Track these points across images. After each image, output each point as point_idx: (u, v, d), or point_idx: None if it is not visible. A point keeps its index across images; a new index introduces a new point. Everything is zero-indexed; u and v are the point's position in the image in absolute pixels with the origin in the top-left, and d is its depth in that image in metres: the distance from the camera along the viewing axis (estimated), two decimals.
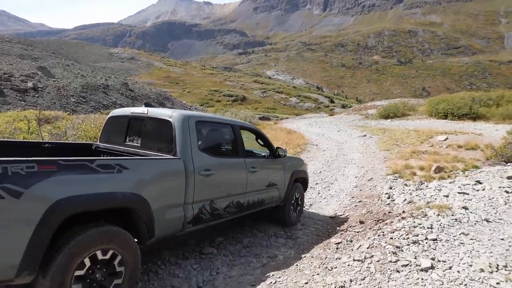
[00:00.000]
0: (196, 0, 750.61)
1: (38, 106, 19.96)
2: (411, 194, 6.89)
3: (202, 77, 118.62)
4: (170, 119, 3.71)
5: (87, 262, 2.62)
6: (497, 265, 3.49)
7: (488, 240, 4.19)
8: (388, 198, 6.93)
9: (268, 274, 3.81)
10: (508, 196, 5.99)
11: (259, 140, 5.40)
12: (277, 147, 5.41)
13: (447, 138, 12.47)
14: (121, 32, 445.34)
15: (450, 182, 7.38)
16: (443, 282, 3.23)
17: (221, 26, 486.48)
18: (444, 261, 3.63)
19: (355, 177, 9.29)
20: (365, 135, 16.72)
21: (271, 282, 3.59)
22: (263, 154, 5.33)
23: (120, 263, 2.85)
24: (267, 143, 5.34)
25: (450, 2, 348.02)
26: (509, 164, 8.68)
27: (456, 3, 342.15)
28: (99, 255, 2.70)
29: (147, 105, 4.38)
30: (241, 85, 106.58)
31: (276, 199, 5.37)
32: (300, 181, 6.18)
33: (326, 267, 3.84)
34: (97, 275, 2.69)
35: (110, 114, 4.69)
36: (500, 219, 5.01)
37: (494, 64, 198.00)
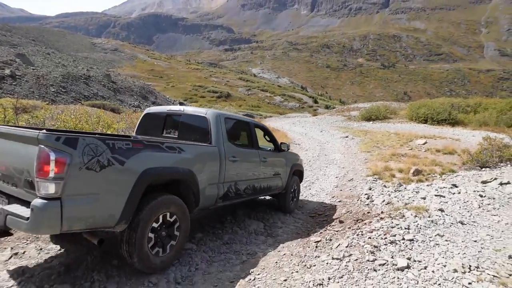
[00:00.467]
0: None
1: (16, 94, 19.28)
2: (389, 196, 7.03)
3: (187, 72, 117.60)
4: (205, 115, 4.55)
5: (160, 219, 3.47)
6: (470, 266, 3.60)
7: (462, 241, 4.32)
8: (368, 198, 7.06)
9: (247, 271, 3.81)
10: (482, 200, 6.19)
11: (266, 136, 6.26)
12: (281, 143, 6.27)
13: (426, 142, 12.77)
14: (105, 22, 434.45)
15: (427, 185, 7.57)
16: (418, 282, 3.31)
17: (208, 21, 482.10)
18: (419, 261, 3.72)
19: (336, 177, 9.40)
20: (347, 136, 16.93)
21: (250, 279, 3.60)
22: (269, 149, 6.04)
23: (177, 224, 3.69)
24: (272, 139, 6.20)
25: (434, 10, 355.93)
26: (483, 169, 8.97)
27: (440, 11, 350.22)
28: (167, 215, 3.55)
29: (181, 104, 4.91)
30: (226, 82, 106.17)
31: (279, 187, 6.18)
32: (297, 174, 6.96)
33: (305, 265, 3.87)
34: (164, 229, 3.57)
35: (146, 111, 5.41)
36: (474, 221, 5.17)
37: (473, 72, 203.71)
